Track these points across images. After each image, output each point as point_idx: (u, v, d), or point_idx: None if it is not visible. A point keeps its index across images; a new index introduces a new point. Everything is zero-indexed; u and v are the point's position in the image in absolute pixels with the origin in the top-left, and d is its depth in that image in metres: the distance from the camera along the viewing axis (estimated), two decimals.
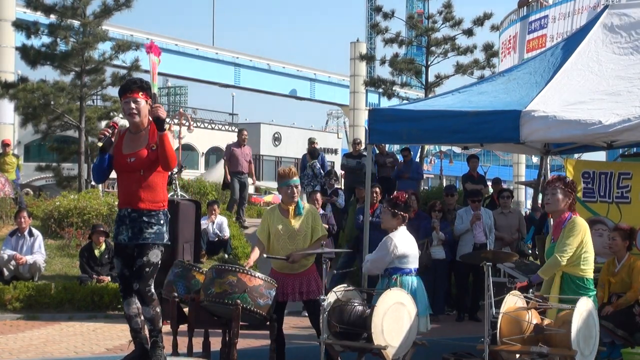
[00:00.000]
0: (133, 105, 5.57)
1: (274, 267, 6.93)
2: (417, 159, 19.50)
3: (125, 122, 5.87)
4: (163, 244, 5.72)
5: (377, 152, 15.47)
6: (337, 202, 13.70)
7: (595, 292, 6.33)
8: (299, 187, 6.93)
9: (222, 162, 35.72)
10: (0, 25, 21.56)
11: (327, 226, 11.31)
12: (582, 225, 6.15)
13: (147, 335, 5.85)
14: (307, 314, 10.96)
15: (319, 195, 11.69)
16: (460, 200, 12.90)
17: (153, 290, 5.73)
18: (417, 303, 6.33)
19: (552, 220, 6.51)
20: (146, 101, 5.62)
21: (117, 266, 5.84)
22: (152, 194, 5.63)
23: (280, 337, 6.85)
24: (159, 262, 5.72)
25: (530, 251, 12.33)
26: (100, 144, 5.58)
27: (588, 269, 6.19)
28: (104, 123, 18.60)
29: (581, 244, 6.11)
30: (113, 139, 5.70)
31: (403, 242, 6.64)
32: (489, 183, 15.23)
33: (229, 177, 15.25)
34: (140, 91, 5.59)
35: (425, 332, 6.68)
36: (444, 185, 27.93)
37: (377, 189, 11.41)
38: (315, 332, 6.86)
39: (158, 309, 5.73)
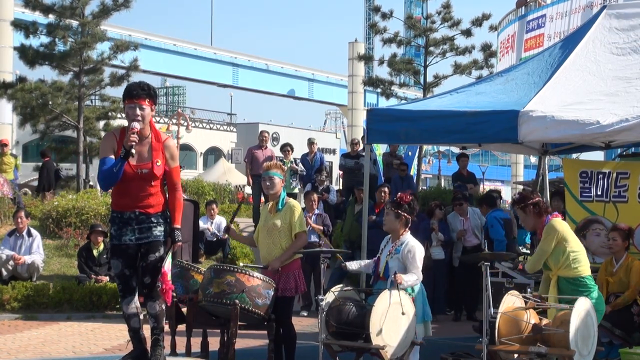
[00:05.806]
0: (138, 112, 5.59)
1: (262, 262, 6.98)
2: (416, 159, 19.52)
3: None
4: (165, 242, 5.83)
5: (389, 151, 15.58)
6: (329, 199, 13.67)
7: (596, 288, 6.29)
8: (275, 180, 6.81)
9: (220, 162, 36.00)
10: None
11: (321, 227, 11.31)
12: (555, 228, 6.17)
13: (145, 335, 5.88)
14: (305, 314, 11.05)
15: (315, 196, 11.62)
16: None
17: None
18: (417, 309, 6.31)
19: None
20: (151, 108, 5.67)
21: (115, 267, 5.87)
22: (158, 198, 5.77)
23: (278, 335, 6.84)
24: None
25: (527, 251, 12.33)
26: (132, 151, 5.53)
27: (581, 267, 6.18)
28: (102, 123, 18.60)
29: (560, 246, 6.12)
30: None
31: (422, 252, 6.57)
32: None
33: (250, 179, 15.04)
34: (147, 98, 5.63)
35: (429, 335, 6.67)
36: (442, 185, 27.95)
37: (386, 189, 11.41)
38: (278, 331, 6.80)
39: (163, 306, 5.82)
